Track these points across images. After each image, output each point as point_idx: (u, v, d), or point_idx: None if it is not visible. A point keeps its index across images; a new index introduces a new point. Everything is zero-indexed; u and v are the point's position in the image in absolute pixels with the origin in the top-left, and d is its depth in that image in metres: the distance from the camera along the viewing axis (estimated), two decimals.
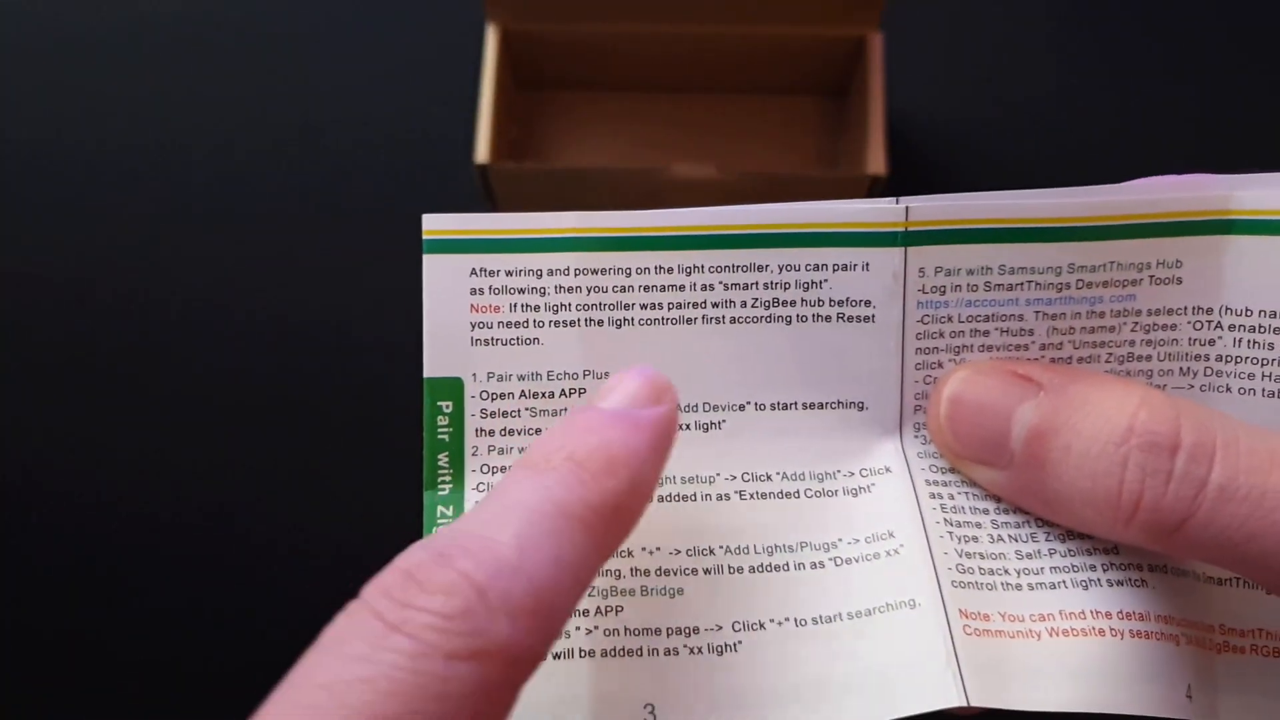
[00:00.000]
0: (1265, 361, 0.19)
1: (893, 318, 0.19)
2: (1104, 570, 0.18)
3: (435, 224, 0.19)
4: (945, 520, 0.19)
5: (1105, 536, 0.17)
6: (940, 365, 0.19)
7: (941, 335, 0.19)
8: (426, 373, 0.19)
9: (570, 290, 0.19)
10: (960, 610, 0.18)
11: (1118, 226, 0.19)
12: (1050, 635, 0.18)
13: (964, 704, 0.17)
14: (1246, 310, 0.19)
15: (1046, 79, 0.47)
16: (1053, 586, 0.18)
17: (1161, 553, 0.17)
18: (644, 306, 0.19)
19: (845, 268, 0.19)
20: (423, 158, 0.44)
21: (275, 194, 0.43)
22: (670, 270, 0.19)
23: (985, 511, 0.19)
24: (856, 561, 0.19)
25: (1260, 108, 0.46)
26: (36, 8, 0.46)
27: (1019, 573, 0.18)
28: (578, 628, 0.18)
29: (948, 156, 0.49)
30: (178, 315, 0.42)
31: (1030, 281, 0.19)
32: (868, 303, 0.19)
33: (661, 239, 0.19)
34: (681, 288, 0.19)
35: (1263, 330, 0.19)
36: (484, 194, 0.41)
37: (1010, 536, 0.19)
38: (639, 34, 0.43)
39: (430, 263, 0.19)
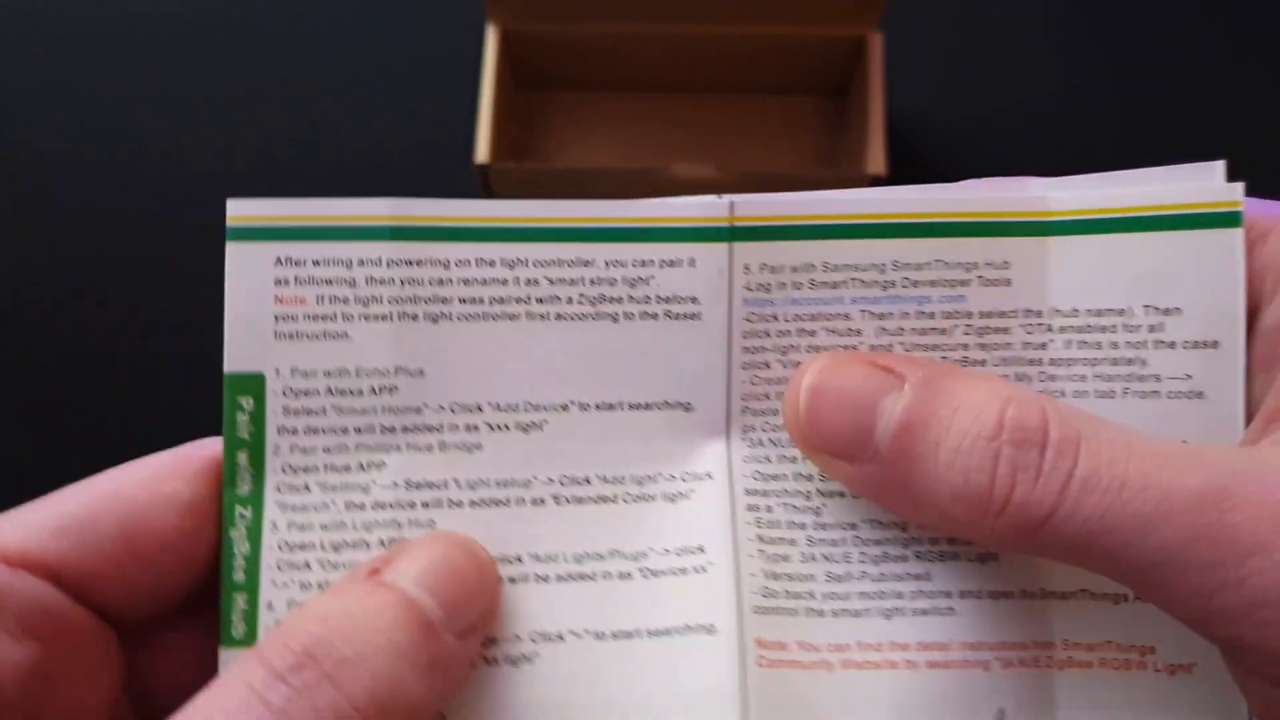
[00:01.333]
0: (1095, 362, 0.18)
1: (719, 316, 0.19)
2: (911, 599, 0.18)
3: (240, 209, 0.18)
4: (759, 536, 0.18)
5: (969, 534, 0.17)
6: (768, 366, 0.19)
7: (768, 335, 0.19)
8: (226, 367, 0.18)
9: (382, 282, 0.18)
10: (757, 639, 0.17)
11: (940, 224, 0.18)
12: (844, 667, 0.17)
13: None
14: (1074, 310, 0.18)
15: (1046, 79, 0.47)
16: (856, 614, 0.18)
17: (1025, 550, 0.16)
18: (463, 301, 0.18)
19: (671, 264, 0.19)
20: (423, 158, 0.44)
21: (275, 194, 0.43)
22: (492, 263, 0.18)
23: (802, 527, 0.18)
24: (664, 575, 0.18)
25: (1260, 108, 0.46)
26: (36, 7, 0.46)
27: (825, 597, 0.18)
28: None
29: (948, 156, 0.49)
30: (179, 317, 0.42)
31: (855, 279, 0.19)
32: (694, 300, 0.19)
33: (483, 230, 0.19)
34: (504, 281, 0.19)
35: (1090, 330, 0.18)
36: (484, 194, 0.41)
37: (824, 555, 0.18)
38: (639, 34, 0.43)
39: (234, 251, 0.18)
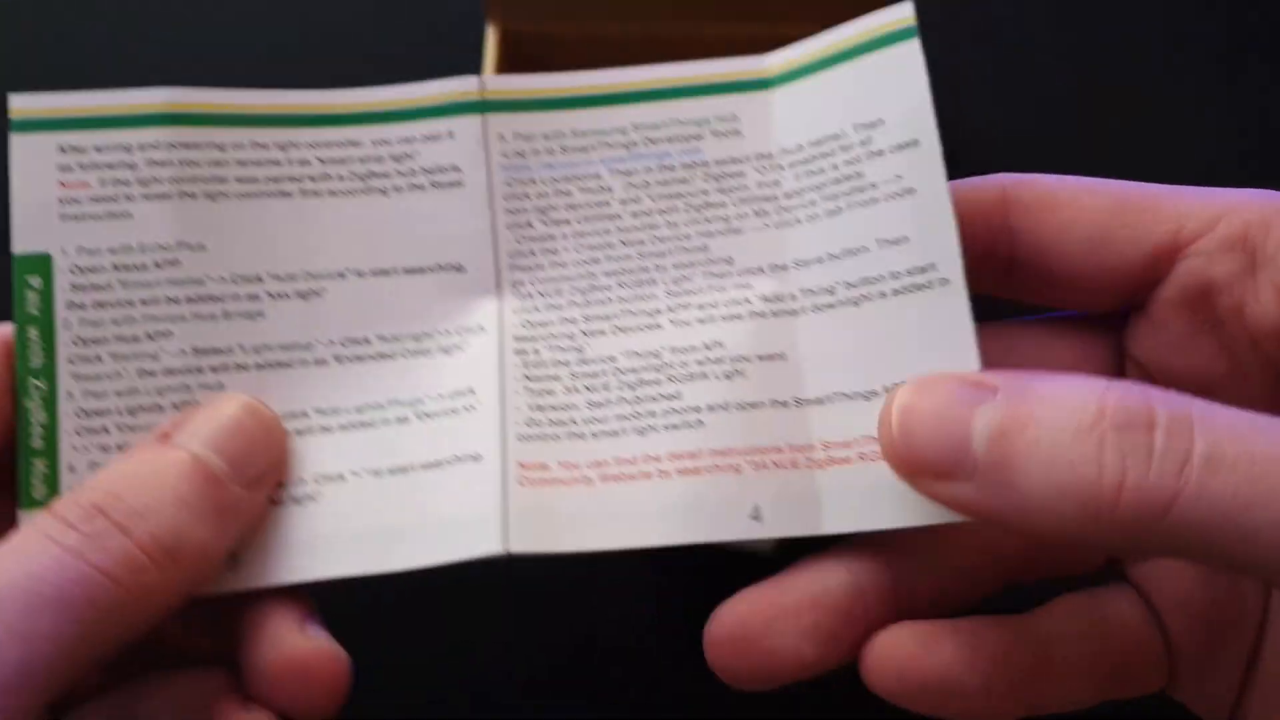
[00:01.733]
0: (821, 186, 0.20)
1: (480, 182, 0.20)
2: (663, 416, 0.19)
3: (23, 104, 0.19)
4: (525, 376, 0.20)
5: (1090, 537, 0.16)
6: (530, 225, 0.20)
7: (528, 196, 0.20)
8: (14, 249, 0.19)
9: (161, 164, 0.19)
10: (519, 462, 0.19)
11: (673, 89, 0.21)
12: (602, 481, 0.19)
13: (503, 551, 0.18)
14: (799, 146, 0.20)
15: (1048, 79, 0.46)
16: (613, 434, 0.19)
17: (1157, 552, 0.16)
18: (239, 180, 0.20)
19: (433, 138, 0.20)
20: None
21: None
22: (265, 146, 0.20)
23: (566, 364, 0.20)
24: (437, 416, 0.20)
25: (1262, 109, 0.45)
26: (35, 6, 0.46)
27: (585, 422, 0.19)
28: None
29: (948, 156, 0.48)
30: None
31: (601, 143, 0.20)
32: (456, 169, 0.20)
33: (256, 117, 0.20)
34: (277, 163, 0.20)
35: (814, 159, 0.20)
36: None
37: (585, 386, 0.20)
38: (639, 34, 0.43)
39: (18, 143, 0.19)
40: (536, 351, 0.20)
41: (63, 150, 0.19)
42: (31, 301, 0.19)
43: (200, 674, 0.19)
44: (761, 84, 0.21)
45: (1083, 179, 0.20)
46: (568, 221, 0.21)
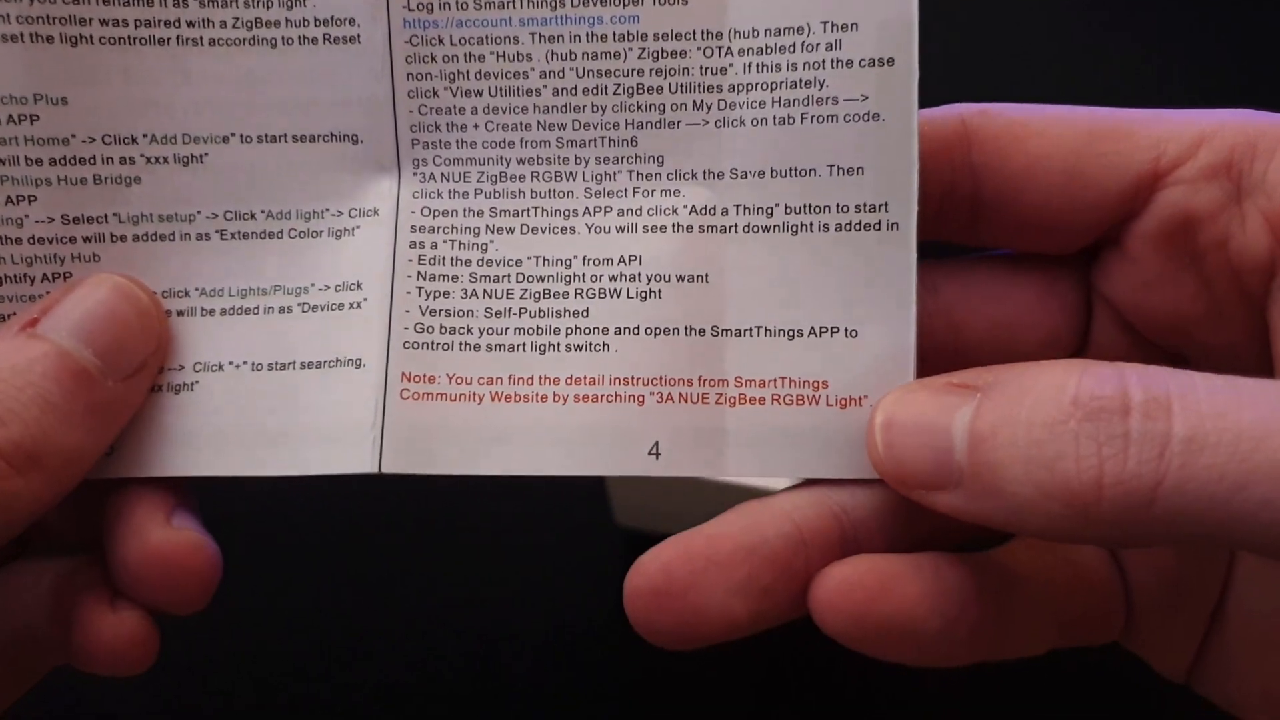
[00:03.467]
0: (774, 86, 0.17)
1: (379, 38, 0.18)
2: (567, 335, 0.18)
3: None
4: (419, 274, 0.18)
5: (1082, 535, 0.15)
6: (435, 94, 0.18)
7: (434, 60, 0.18)
8: None
9: (10, 1, 0.17)
10: (403, 373, 0.18)
11: None
12: (493, 400, 0.17)
13: (375, 470, 0.17)
14: (754, 31, 0.17)
15: (1047, 79, 0.46)
16: (511, 349, 0.18)
17: (1150, 542, 0.15)
18: (104, 23, 0.17)
19: None
20: None
21: None
22: None
23: (466, 263, 0.18)
24: (321, 310, 0.18)
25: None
26: None
27: (482, 332, 0.18)
28: None
29: None
30: None
31: None
32: (352, 21, 0.18)
33: None
34: (149, 3, 0.17)
35: (770, 51, 0.17)
36: None
37: (485, 292, 0.18)
38: None
39: None
40: (434, 245, 0.18)
41: None
42: None
43: (68, 564, 0.18)
44: None
45: (1050, 107, 0.18)
46: (479, 93, 0.18)
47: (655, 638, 0.17)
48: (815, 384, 0.18)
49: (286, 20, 0.18)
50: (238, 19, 0.18)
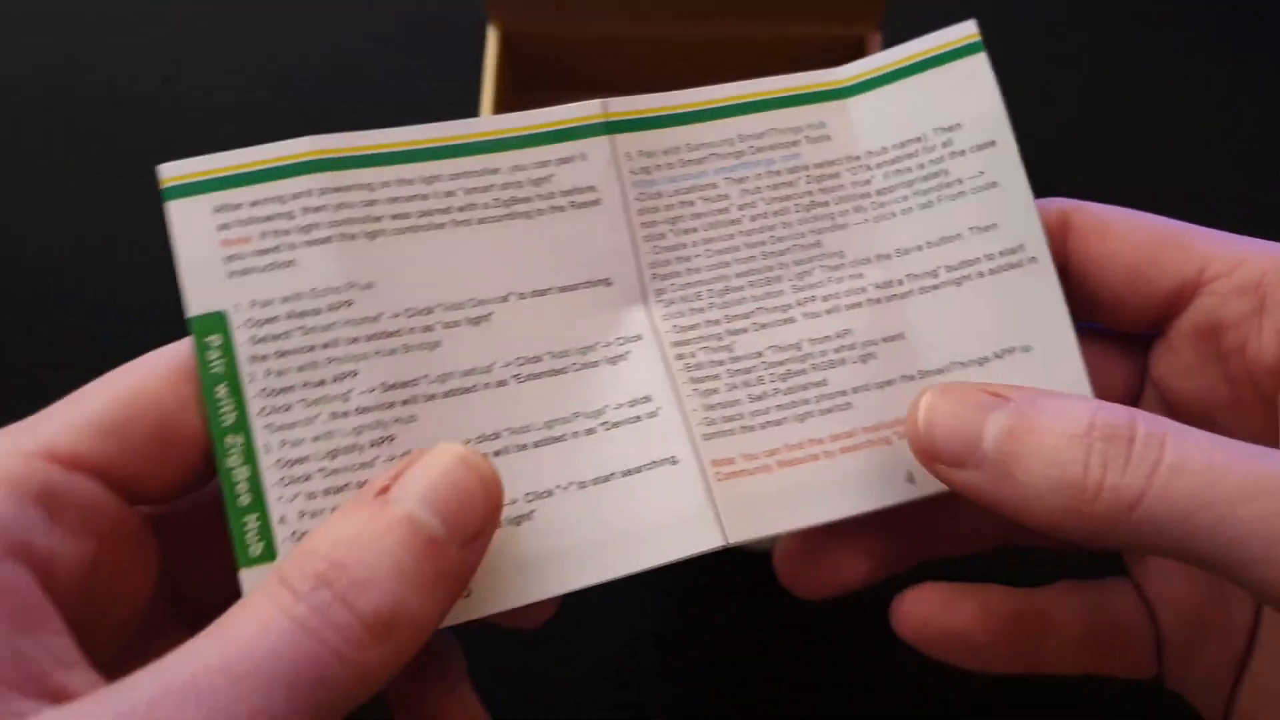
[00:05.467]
0: (911, 183, 0.23)
1: (615, 198, 0.22)
2: (817, 402, 0.22)
3: (173, 171, 0.19)
4: (690, 378, 0.21)
5: (1073, 525, 0.18)
6: (663, 236, 0.22)
7: (657, 209, 0.22)
8: (188, 313, 0.19)
9: (317, 210, 0.20)
10: (711, 460, 0.21)
11: (765, 101, 0.23)
12: (780, 467, 0.21)
13: (724, 544, 0.20)
14: (882, 148, 0.23)
15: (1046, 79, 0.47)
16: (778, 423, 0.21)
17: (1126, 543, 0.18)
18: (394, 217, 0.20)
19: (566, 160, 0.21)
20: None
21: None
22: (411, 181, 0.20)
23: (721, 364, 0.22)
24: (622, 425, 0.21)
25: (1262, 111, 0.46)
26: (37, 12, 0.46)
27: (751, 415, 0.21)
28: None
29: None
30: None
31: (712, 154, 0.22)
32: (592, 188, 0.22)
33: (398, 154, 0.21)
34: (425, 196, 0.21)
35: (900, 159, 0.23)
36: None
37: (742, 383, 0.21)
38: (640, 35, 0.43)
39: (174, 209, 0.19)
40: (694, 355, 0.22)
41: (218, 209, 0.19)
42: (214, 360, 0.19)
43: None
44: (838, 93, 0.23)
45: (1132, 212, 0.22)
46: (695, 229, 0.22)
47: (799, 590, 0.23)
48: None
49: (537, 195, 0.21)
50: (496, 199, 0.21)
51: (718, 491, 0.20)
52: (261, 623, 0.16)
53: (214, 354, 0.19)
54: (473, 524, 0.18)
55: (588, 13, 0.42)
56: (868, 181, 0.23)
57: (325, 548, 0.17)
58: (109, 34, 0.46)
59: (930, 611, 0.22)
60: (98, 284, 0.41)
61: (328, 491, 0.19)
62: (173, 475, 0.19)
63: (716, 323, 0.22)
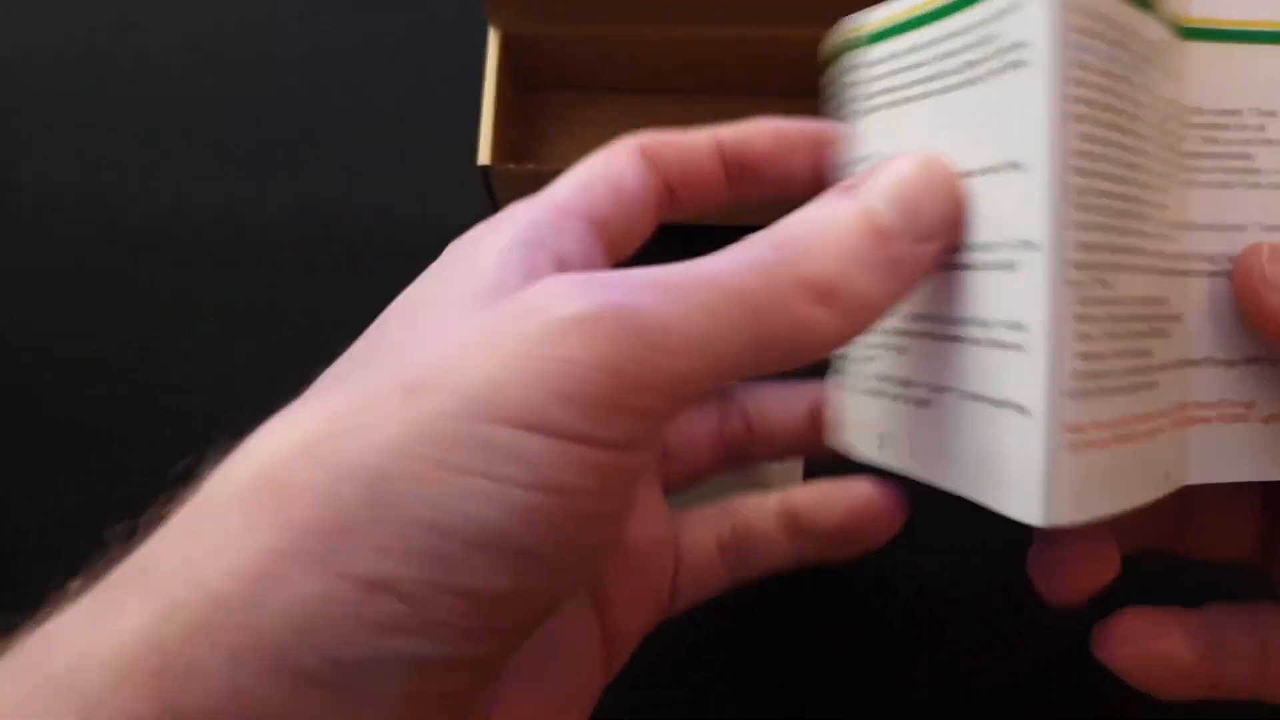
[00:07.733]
0: (1216, 156, 0.20)
1: (1044, 61, 0.18)
2: (1173, 368, 0.20)
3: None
4: (1076, 315, 0.18)
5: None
6: (1101, 121, 0.18)
7: (1092, 84, 0.18)
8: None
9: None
10: (1065, 424, 0.18)
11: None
12: (1158, 433, 0.19)
13: (1042, 524, 0.18)
14: (1199, 109, 0.20)
15: None
16: (1150, 387, 0.19)
17: None
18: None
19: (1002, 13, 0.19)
20: (424, 158, 0.44)
21: (267, 193, 0.43)
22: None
23: (1105, 303, 0.18)
24: (984, 345, 0.19)
25: None
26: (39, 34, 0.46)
27: (1117, 374, 0.18)
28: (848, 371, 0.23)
29: None
30: (185, 342, 0.41)
31: (1144, 56, 0.19)
32: (1020, 45, 0.18)
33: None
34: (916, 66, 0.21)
35: (1211, 127, 0.20)
36: (486, 194, 0.41)
37: (1113, 333, 0.18)
38: (640, 37, 0.43)
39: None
40: (1093, 284, 0.18)
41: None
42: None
43: None
44: (1181, 31, 0.20)
45: None
46: (1135, 131, 0.19)
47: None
48: (1246, 404, 0.20)
49: (981, 59, 0.19)
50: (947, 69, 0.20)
51: (1062, 464, 0.17)
52: (731, 256, 0.18)
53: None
54: (926, 223, 0.19)
55: (589, 16, 0.42)
56: (1181, 139, 0.20)
57: (792, 223, 0.18)
58: (109, 34, 0.46)
59: (1141, 639, 0.22)
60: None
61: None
62: (628, 224, 0.22)
63: (1113, 249, 0.18)
